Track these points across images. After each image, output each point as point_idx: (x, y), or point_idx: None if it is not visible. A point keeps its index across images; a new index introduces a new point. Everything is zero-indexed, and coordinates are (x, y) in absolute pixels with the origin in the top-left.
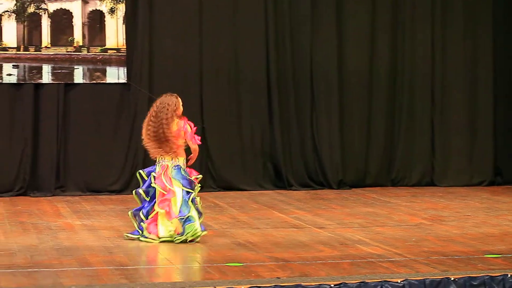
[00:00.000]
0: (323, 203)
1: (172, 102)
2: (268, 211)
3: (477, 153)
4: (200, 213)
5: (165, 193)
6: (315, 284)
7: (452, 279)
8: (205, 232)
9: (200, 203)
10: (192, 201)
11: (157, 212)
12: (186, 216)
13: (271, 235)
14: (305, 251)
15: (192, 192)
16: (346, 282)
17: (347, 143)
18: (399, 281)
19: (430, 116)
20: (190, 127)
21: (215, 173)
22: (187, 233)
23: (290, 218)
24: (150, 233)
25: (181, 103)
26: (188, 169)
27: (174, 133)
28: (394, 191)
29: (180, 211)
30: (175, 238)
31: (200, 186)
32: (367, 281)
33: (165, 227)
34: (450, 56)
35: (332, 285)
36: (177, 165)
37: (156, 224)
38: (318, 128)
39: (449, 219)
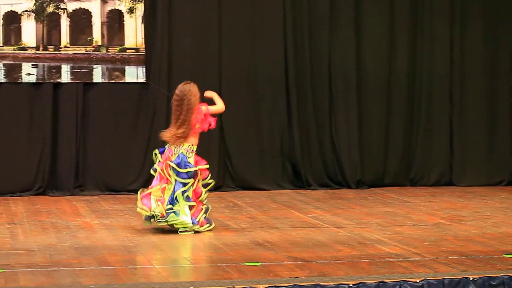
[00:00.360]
0: (342, 203)
1: (194, 89)
2: (286, 211)
3: (496, 153)
4: (207, 208)
5: (163, 176)
6: (334, 284)
7: (471, 279)
8: (206, 227)
9: (204, 196)
10: (186, 198)
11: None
12: (172, 210)
13: (289, 235)
14: (323, 251)
15: (187, 184)
16: (365, 281)
17: (366, 143)
18: (417, 281)
19: (449, 116)
20: (205, 111)
21: (234, 172)
22: (171, 221)
23: (308, 218)
24: (143, 204)
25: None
26: (196, 158)
27: (194, 119)
28: (413, 191)
29: (168, 201)
30: (157, 220)
31: (210, 183)
32: (385, 280)
33: (155, 203)
34: (469, 56)
35: (351, 285)
36: (181, 153)
37: (150, 198)
38: (337, 128)
39: (468, 219)
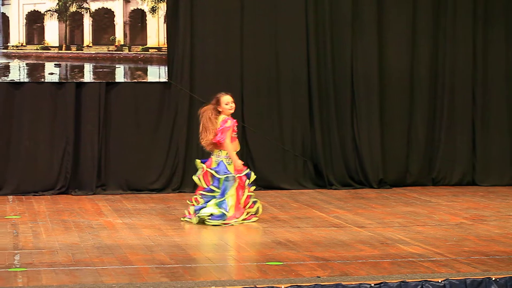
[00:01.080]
0: (364, 202)
1: (215, 99)
2: (308, 210)
3: None
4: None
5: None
6: (356, 284)
7: (493, 279)
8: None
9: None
10: (218, 204)
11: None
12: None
13: (311, 234)
14: (345, 250)
15: (216, 191)
16: (387, 281)
17: (388, 142)
18: (439, 281)
19: (471, 115)
20: (227, 126)
21: (256, 172)
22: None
23: (330, 217)
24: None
25: (225, 101)
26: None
27: (215, 128)
28: (435, 191)
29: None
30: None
31: (251, 183)
32: (407, 280)
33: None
34: (492, 56)
35: (373, 285)
36: (220, 161)
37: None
38: (359, 127)
39: (491, 219)
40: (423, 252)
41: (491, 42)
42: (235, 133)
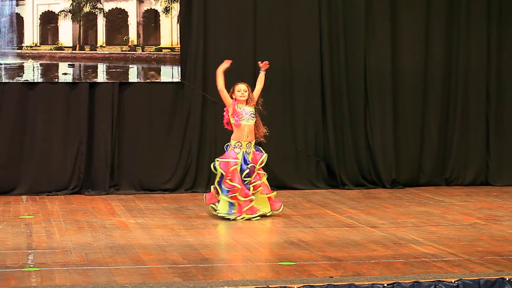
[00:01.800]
0: (377, 202)
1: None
2: (321, 210)
3: None
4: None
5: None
6: (368, 284)
7: (507, 279)
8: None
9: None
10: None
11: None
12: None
13: (324, 234)
14: (358, 250)
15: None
16: (400, 281)
17: (401, 142)
18: (453, 281)
19: (485, 115)
20: (231, 109)
21: (268, 172)
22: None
23: (343, 217)
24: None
25: (238, 88)
26: (254, 153)
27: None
28: (448, 191)
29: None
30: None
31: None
32: (420, 280)
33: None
34: (506, 54)
35: (385, 285)
36: (227, 145)
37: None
38: (372, 127)
39: (504, 219)
40: (436, 252)
41: (505, 42)
42: (243, 117)
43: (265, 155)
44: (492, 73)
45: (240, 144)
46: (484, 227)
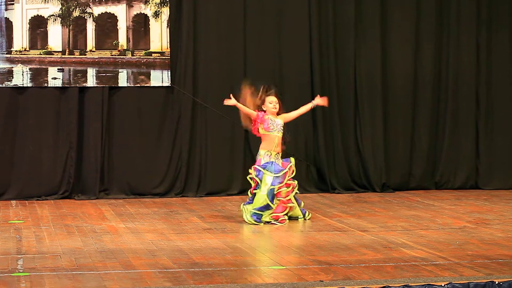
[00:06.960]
0: (367, 206)
1: (262, 94)
2: (311, 214)
3: None
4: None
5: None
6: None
7: (497, 282)
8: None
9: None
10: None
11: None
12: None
13: (314, 238)
14: (348, 254)
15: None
16: (390, 285)
17: (391, 146)
18: (443, 285)
19: (475, 119)
20: (257, 117)
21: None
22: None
23: (333, 221)
24: None
25: (270, 100)
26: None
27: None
28: (438, 194)
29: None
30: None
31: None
32: (410, 284)
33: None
34: (495, 60)
35: None
36: (258, 154)
37: None
38: (362, 131)
39: (494, 223)
40: (426, 256)
41: (495, 46)
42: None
43: (292, 162)
44: (481, 77)
45: (269, 154)
46: (473, 231)
